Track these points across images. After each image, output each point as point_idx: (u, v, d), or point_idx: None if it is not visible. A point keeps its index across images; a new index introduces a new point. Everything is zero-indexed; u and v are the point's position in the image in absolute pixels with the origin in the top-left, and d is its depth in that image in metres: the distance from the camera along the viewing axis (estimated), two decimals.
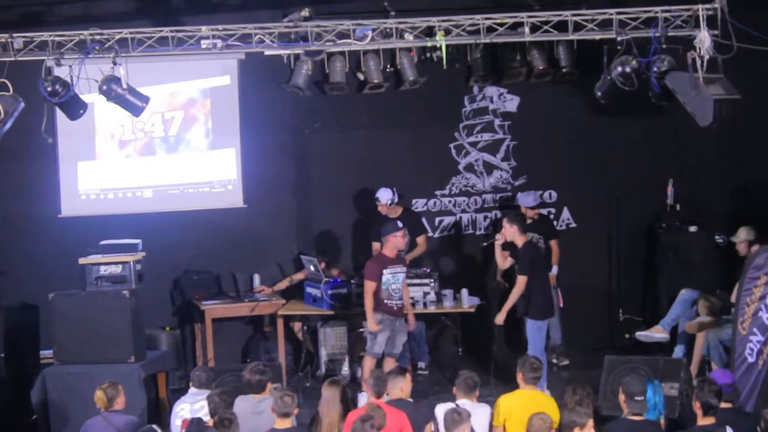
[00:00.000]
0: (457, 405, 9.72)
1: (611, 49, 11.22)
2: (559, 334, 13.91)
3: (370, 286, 12.34)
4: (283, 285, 14.13)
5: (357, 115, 14.67)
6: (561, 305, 13.85)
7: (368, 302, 12.33)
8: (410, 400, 10.12)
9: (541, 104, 14.81)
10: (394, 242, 12.46)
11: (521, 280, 12.36)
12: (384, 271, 12.36)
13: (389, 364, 12.41)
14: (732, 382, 10.07)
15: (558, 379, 12.96)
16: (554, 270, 13.89)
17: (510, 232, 12.47)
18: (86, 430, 9.95)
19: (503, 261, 12.88)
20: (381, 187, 13.87)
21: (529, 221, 13.76)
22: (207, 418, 9.61)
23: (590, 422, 8.73)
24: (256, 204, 14.20)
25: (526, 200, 14.02)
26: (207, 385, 10.23)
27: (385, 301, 12.39)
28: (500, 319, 12.53)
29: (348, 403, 10.10)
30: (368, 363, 12.47)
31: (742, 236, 12.66)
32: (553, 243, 14.01)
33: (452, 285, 13.63)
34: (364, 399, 10.44)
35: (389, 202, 13.81)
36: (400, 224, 12.54)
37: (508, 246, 12.67)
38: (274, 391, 10.57)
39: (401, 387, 10.03)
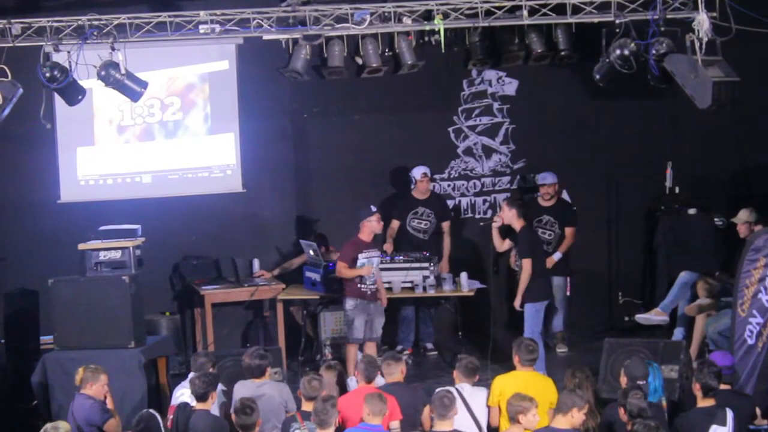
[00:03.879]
0: (456, 388, 9.76)
1: (610, 32, 11.21)
2: (562, 321, 13.89)
3: (340, 266, 12.43)
4: (281, 270, 14.13)
5: (355, 100, 14.68)
6: (568, 294, 13.87)
7: (348, 274, 12.39)
8: (402, 383, 10.15)
9: (539, 87, 14.82)
10: (370, 227, 12.49)
11: (526, 264, 12.38)
12: (359, 255, 12.42)
13: (370, 349, 12.48)
14: (731, 364, 10.12)
15: (558, 362, 12.97)
16: (555, 256, 13.87)
17: (508, 215, 12.48)
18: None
19: (500, 243, 12.90)
20: (417, 165, 13.98)
21: (546, 204, 13.77)
22: (194, 402, 9.65)
23: (574, 410, 8.75)
24: (255, 189, 14.19)
25: (538, 178, 14.08)
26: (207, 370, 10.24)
27: (358, 285, 12.46)
28: (517, 304, 12.55)
29: (344, 387, 10.16)
30: (351, 350, 12.54)
31: (742, 218, 12.66)
32: (569, 231, 13.95)
33: (452, 268, 13.64)
34: (354, 384, 10.48)
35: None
36: (374, 209, 12.58)
37: (507, 229, 12.70)
38: (275, 375, 10.63)
39: (401, 370, 10.09)
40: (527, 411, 8.80)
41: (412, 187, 14.01)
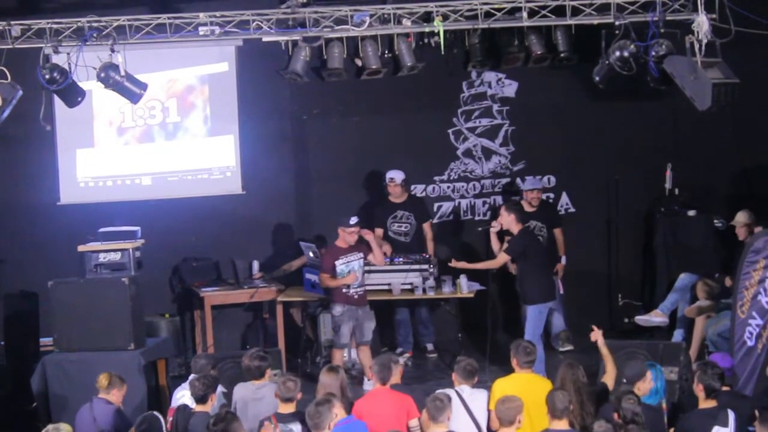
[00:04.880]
0: (456, 390, 9.76)
1: (609, 33, 11.22)
2: (562, 320, 13.88)
3: (323, 277, 12.49)
4: (281, 272, 14.13)
5: (355, 101, 14.67)
6: (562, 292, 13.84)
7: (332, 284, 12.44)
8: (400, 384, 10.14)
9: (539, 89, 14.80)
10: (343, 236, 12.51)
11: (501, 257, 12.46)
12: (336, 262, 12.43)
13: (364, 353, 12.52)
14: (731, 366, 10.11)
15: (559, 364, 12.95)
16: (563, 260, 13.91)
17: (507, 220, 12.46)
18: (78, 412, 10.09)
19: (499, 249, 12.86)
20: (391, 169, 13.91)
21: (532, 209, 13.74)
22: (194, 404, 9.64)
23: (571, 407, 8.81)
24: (255, 191, 14.20)
25: (525, 184, 14.05)
26: (208, 372, 10.22)
27: (343, 290, 12.48)
28: (458, 263, 12.71)
29: (346, 390, 10.13)
30: (337, 355, 12.59)
31: (741, 220, 12.66)
32: (557, 231, 13.97)
33: (451, 271, 13.62)
34: (369, 386, 10.50)
35: (403, 181, 13.86)
36: (353, 221, 12.53)
37: (506, 234, 12.70)
38: (275, 377, 10.61)
39: (399, 372, 10.09)
40: (520, 411, 8.81)
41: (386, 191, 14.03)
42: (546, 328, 13.46)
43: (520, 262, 12.54)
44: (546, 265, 12.83)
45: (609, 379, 9.97)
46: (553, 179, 14.91)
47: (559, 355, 13.68)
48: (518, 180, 14.69)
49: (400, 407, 9.55)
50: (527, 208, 13.76)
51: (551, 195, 14.82)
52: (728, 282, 12.34)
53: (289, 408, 9.25)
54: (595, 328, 10.50)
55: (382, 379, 9.87)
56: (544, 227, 13.83)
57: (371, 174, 14.61)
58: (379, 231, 13.84)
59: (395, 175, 13.85)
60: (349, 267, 12.48)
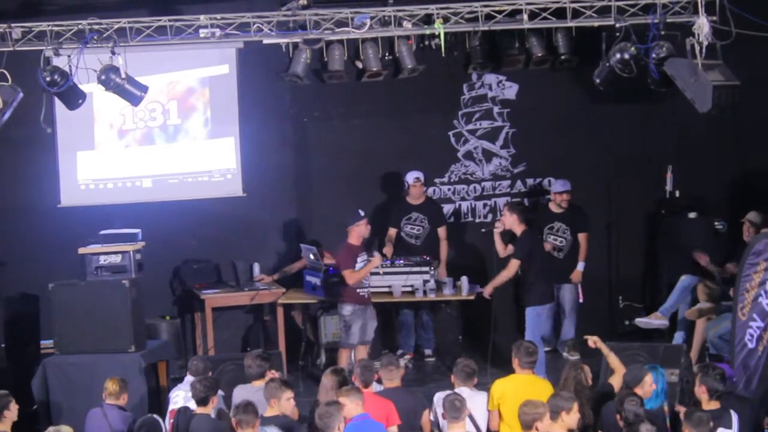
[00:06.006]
0: (454, 392, 9.75)
1: (610, 35, 11.22)
2: (573, 328, 13.86)
3: (347, 274, 12.42)
4: (282, 274, 14.12)
5: (356, 104, 14.67)
6: (581, 301, 13.84)
7: (362, 274, 12.44)
8: (401, 387, 10.13)
9: (540, 91, 14.80)
10: (359, 231, 12.52)
11: (513, 264, 12.44)
12: (357, 259, 12.46)
13: (361, 353, 12.53)
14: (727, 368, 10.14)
15: (563, 367, 12.94)
16: (580, 266, 13.91)
17: (509, 220, 12.51)
18: (88, 418, 10.08)
19: (503, 249, 12.89)
20: (410, 170, 13.96)
21: (559, 211, 13.73)
22: (194, 405, 9.64)
23: (563, 414, 8.77)
24: (256, 193, 14.20)
25: (555, 186, 14.02)
26: (204, 374, 10.22)
27: (357, 290, 12.49)
28: (488, 291, 12.73)
29: None
30: (344, 354, 12.58)
31: (751, 218, 12.56)
32: (582, 237, 13.94)
33: (452, 273, 13.62)
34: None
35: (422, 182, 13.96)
36: (362, 213, 12.57)
37: (507, 234, 12.71)
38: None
39: (400, 375, 10.07)
40: (543, 417, 8.77)
41: (405, 191, 14.01)
42: (555, 333, 13.51)
43: (522, 263, 12.54)
44: (546, 268, 12.83)
45: (616, 380, 9.96)
46: (554, 181, 14.89)
47: (562, 359, 13.69)
48: (546, 181, 14.72)
49: (379, 413, 9.47)
50: (555, 210, 13.79)
51: (550, 197, 14.81)
52: (731, 269, 12.38)
53: (272, 411, 9.26)
54: (588, 337, 10.54)
55: (364, 381, 9.86)
56: (568, 230, 13.83)
57: (371, 176, 14.62)
58: (392, 231, 13.89)
59: (420, 175, 13.89)
60: (364, 266, 12.52)
